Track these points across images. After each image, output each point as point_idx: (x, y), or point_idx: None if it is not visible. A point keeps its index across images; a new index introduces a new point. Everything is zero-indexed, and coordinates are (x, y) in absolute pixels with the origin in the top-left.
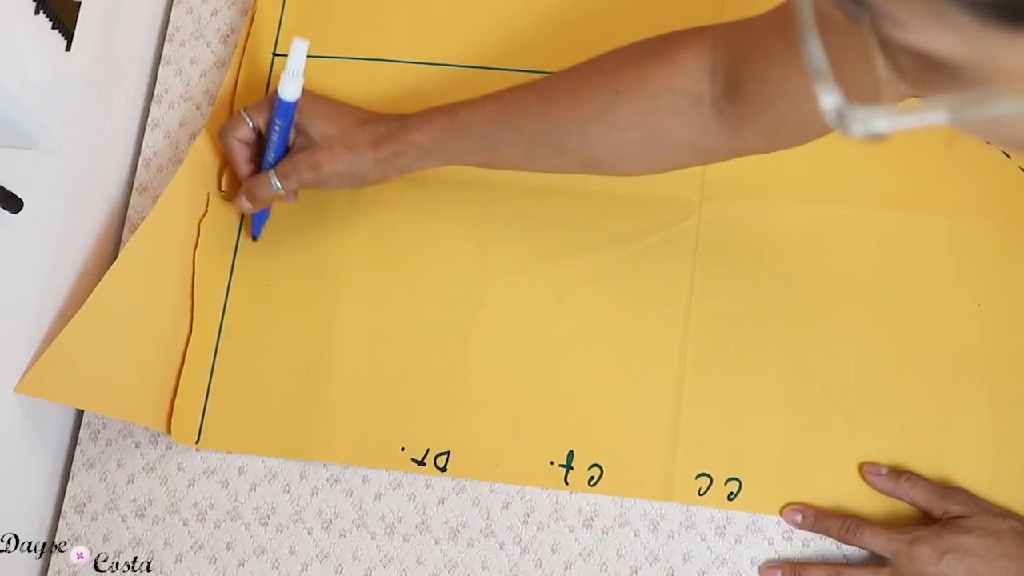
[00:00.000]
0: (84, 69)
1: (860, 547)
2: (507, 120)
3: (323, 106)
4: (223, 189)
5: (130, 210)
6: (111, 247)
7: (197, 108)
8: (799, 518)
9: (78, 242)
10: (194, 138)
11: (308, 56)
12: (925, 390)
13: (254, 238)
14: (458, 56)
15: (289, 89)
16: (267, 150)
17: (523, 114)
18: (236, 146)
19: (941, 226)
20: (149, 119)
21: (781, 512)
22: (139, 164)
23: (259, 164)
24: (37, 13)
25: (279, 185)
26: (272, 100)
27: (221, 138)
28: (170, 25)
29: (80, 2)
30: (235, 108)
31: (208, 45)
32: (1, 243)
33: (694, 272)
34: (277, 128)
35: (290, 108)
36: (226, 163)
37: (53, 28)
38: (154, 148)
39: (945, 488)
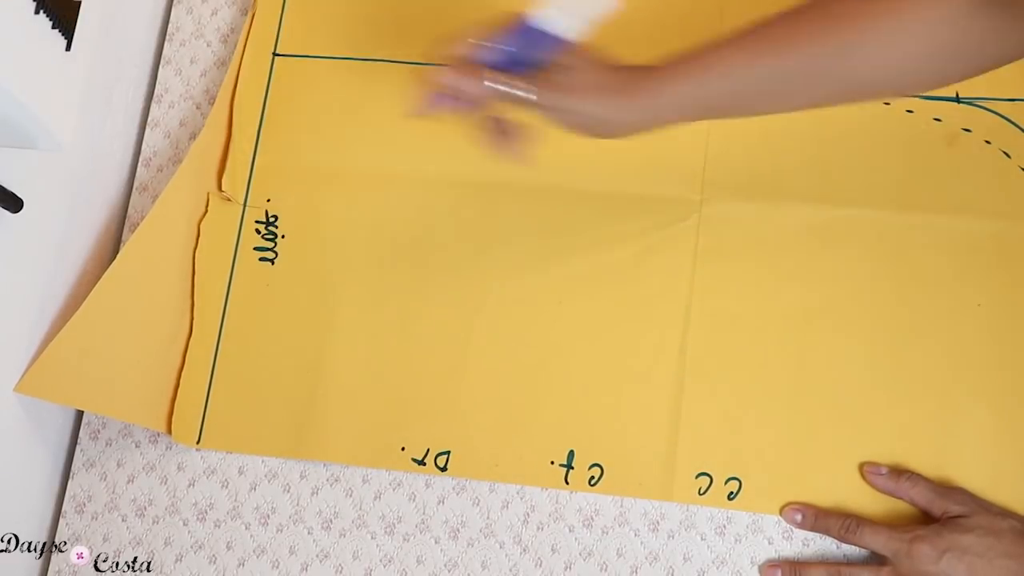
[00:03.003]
0: (84, 69)
1: (860, 546)
2: (765, 54)
3: (590, 48)
4: (223, 189)
5: (130, 210)
6: (111, 247)
7: (197, 108)
8: (799, 518)
9: (78, 242)
10: (194, 137)
11: (307, 56)
12: (925, 390)
13: (412, 113)
14: None
15: (558, 23)
16: (517, 56)
17: (783, 44)
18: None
19: (941, 226)
20: (149, 119)
21: (781, 512)
22: (139, 164)
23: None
24: (37, 13)
25: (531, 95)
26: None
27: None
28: (170, 25)
29: (80, 2)
30: (235, 108)
31: (208, 45)
32: (1, 243)
33: (694, 272)
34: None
35: (547, 38)
36: (225, 161)
37: (53, 28)
38: (154, 148)
39: (945, 488)
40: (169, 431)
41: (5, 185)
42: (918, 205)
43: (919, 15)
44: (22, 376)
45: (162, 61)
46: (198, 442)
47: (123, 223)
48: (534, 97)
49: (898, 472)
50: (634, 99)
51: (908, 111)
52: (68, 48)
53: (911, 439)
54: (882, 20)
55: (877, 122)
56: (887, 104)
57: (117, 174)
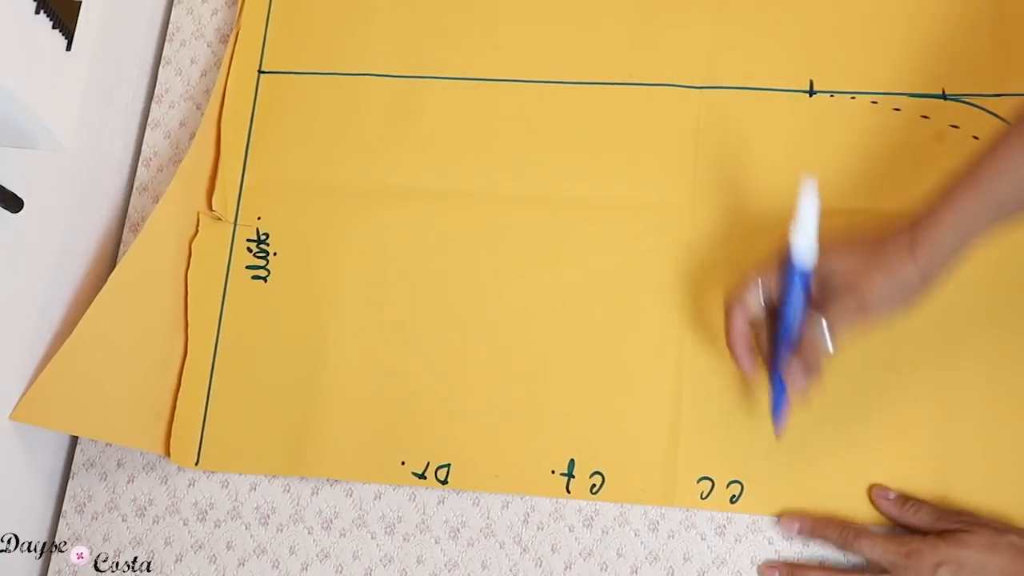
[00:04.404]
0: (84, 69)
1: (859, 555)
2: None
3: (830, 244)
4: (213, 208)
5: (131, 210)
6: (112, 247)
7: (197, 108)
8: (797, 527)
9: (79, 242)
10: (194, 138)
11: (292, 73)
12: (924, 389)
13: (777, 434)
14: (445, 69)
15: (805, 247)
16: (784, 320)
17: None
18: (741, 323)
19: None
20: (149, 119)
21: (779, 522)
22: (139, 164)
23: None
24: (37, 13)
25: (826, 331)
26: (779, 262)
27: (729, 312)
28: (170, 25)
29: (80, 2)
30: (222, 127)
31: (208, 45)
32: (1, 243)
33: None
34: (792, 298)
35: (807, 275)
36: (214, 180)
37: (53, 28)
38: (154, 148)
39: (947, 511)
40: (167, 453)
41: (5, 185)
42: (908, 202)
43: None
44: (17, 404)
45: (162, 61)
46: (197, 463)
47: (123, 223)
48: (832, 350)
49: (903, 499)
50: (917, 256)
51: (896, 109)
52: (68, 48)
53: (910, 437)
54: None
55: (866, 121)
56: (874, 103)
57: (117, 174)
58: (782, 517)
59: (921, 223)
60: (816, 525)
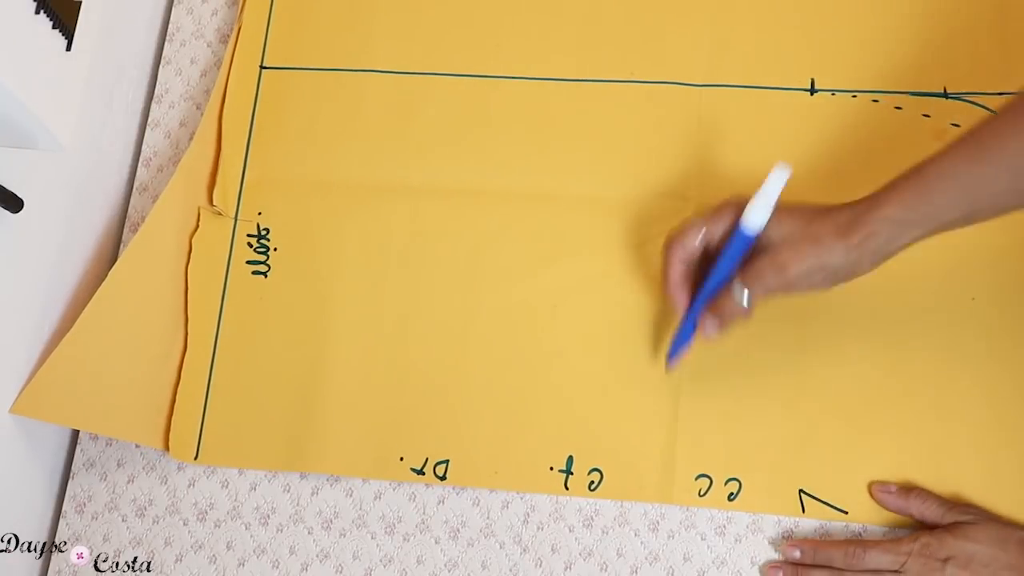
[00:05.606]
0: (84, 69)
1: (869, 570)
2: (985, 154)
3: (781, 207)
4: (214, 203)
5: (131, 210)
6: (112, 247)
7: (197, 108)
8: (797, 554)
9: (79, 242)
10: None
11: (294, 69)
12: (923, 385)
13: (669, 367)
14: (446, 66)
15: (758, 219)
16: (717, 269)
17: (1001, 141)
18: (678, 263)
19: None
20: (149, 119)
21: (778, 548)
22: (139, 164)
23: (692, 283)
24: (37, 13)
25: (746, 296)
26: (729, 213)
27: (668, 250)
28: (170, 25)
29: (80, 2)
30: (223, 122)
31: (208, 45)
32: (1, 243)
33: None
34: (731, 252)
35: (750, 239)
36: (215, 175)
37: (53, 28)
38: (154, 148)
39: (954, 502)
40: (167, 448)
41: (5, 185)
42: None
43: None
44: (17, 397)
45: (162, 61)
46: (196, 458)
47: (123, 223)
48: (747, 306)
49: (907, 490)
50: (849, 237)
51: (897, 107)
52: (68, 48)
53: (909, 435)
54: None
55: (867, 119)
56: (876, 101)
57: (117, 174)
58: (781, 545)
59: (862, 206)
60: (818, 548)
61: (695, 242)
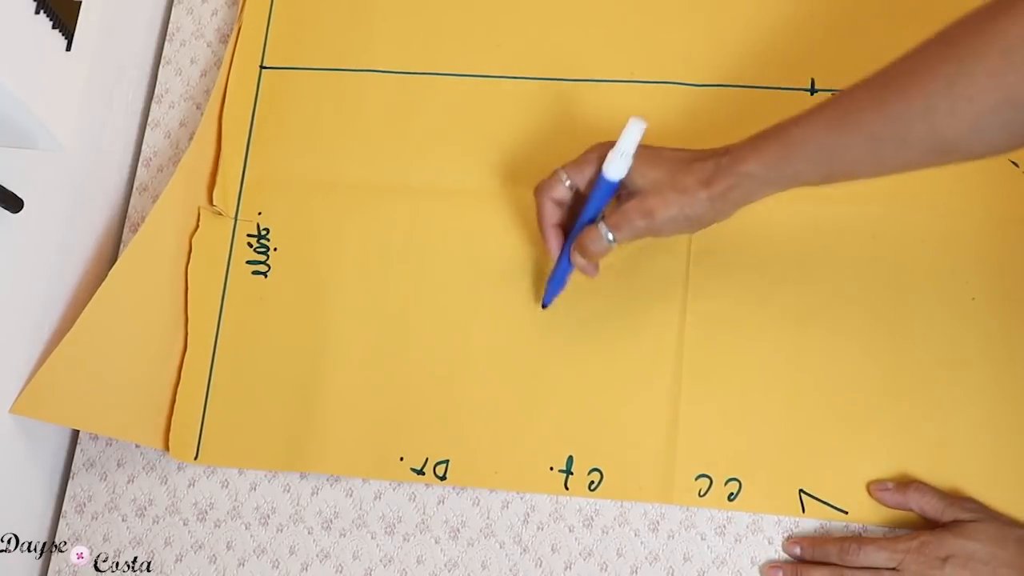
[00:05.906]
0: (84, 69)
1: (864, 566)
2: (844, 123)
3: (646, 152)
4: (214, 203)
5: (131, 210)
6: (112, 247)
7: (197, 108)
8: (797, 550)
9: (79, 242)
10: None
11: (294, 68)
12: (922, 385)
13: (544, 305)
14: (446, 65)
15: (617, 169)
16: (585, 212)
17: (859, 112)
18: (549, 206)
19: (933, 221)
20: (149, 119)
21: (779, 547)
22: (139, 164)
23: (567, 223)
24: (37, 13)
25: (611, 237)
26: (592, 162)
27: (537, 195)
28: (170, 25)
29: (80, 2)
30: (223, 122)
31: (208, 45)
32: (1, 243)
33: (688, 273)
34: (597, 197)
35: (614, 185)
36: (215, 175)
37: (53, 28)
38: (154, 148)
39: (954, 496)
40: (167, 448)
41: (5, 185)
42: (909, 201)
43: (1010, 60)
44: (17, 397)
45: (162, 61)
46: (196, 458)
47: (123, 223)
48: (614, 245)
49: (905, 484)
50: (712, 187)
51: None
52: (68, 48)
53: (909, 435)
54: (971, 68)
55: None
56: None
57: (117, 174)
58: (783, 543)
59: (726, 159)
60: (815, 545)
61: (563, 187)
